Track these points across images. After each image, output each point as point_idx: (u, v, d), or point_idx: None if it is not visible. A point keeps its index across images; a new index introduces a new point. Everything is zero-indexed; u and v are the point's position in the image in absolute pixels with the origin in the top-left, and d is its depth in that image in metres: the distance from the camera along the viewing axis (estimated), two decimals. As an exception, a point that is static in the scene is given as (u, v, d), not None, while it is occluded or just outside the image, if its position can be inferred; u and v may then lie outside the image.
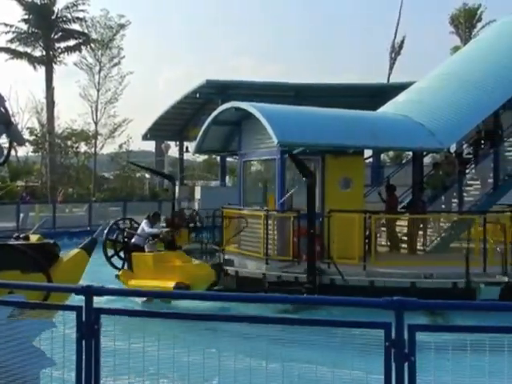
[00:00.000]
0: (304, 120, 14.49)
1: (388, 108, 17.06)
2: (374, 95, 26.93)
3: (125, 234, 14.08)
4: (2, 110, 7.12)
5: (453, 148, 18.07)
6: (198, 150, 17.77)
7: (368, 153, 19.00)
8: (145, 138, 36.01)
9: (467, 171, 16.96)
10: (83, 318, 3.94)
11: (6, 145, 7.49)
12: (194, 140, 21.94)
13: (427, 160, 20.85)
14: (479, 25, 42.97)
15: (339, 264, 12.84)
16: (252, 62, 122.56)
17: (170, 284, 11.95)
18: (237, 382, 4.07)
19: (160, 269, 12.63)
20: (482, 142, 17.13)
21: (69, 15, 38.25)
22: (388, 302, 3.57)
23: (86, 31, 38.11)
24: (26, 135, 36.70)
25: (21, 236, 8.62)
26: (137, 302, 10.52)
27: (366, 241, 13.55)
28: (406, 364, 3.47)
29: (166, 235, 13.48)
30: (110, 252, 14.14)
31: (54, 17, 37.98)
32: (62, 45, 38.54)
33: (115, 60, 37.56)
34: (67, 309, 4.24)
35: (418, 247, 15.23)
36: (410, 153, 18.86)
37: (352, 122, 14.88)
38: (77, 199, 31.00)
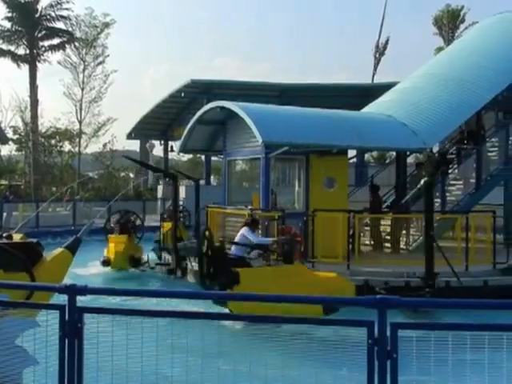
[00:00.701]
0: (288, 120, 14.56)
1: (372, 108, 17.18)
2: (358, 95, 27.08)
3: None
4: None
5: (436, 148, 18.25)
6: (183, 150, 17.77)
7: (352, 153, 19.14)
8: (129, 137, 35.89)
9: (450, 171, 17.15)
10: (66, 317, 3.96)
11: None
12: (178, 139, 21.91)
13: (410, 160, 21.04)
14: (462, 26, 43.43)
15: (323, 263, 12.93)
16: (238, 62, 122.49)
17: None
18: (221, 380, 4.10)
19: (285, 286, 9.73)
20: (465, 142, 17.31)
21: (53, 13, 38.02)
22: (370, 300, 3.64)
23: (70, 30, 37.93)
24: (10, 134, 36.49)
25: (4, 235, 8.57)
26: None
27: (350, 240, 13.65)
28: (389, 361, 3.54)
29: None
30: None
31: (37, 15, 37.71)
32: (46, 43, 38.31)
33: (100, 59, 37.48)
34: (50, 308, 4.24)
35: (401, 246, 15.36)
36: (394, 153, 19.00)
37: (336, 121, 14.97)
38: (60, 198, 30.78)
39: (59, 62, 37.44)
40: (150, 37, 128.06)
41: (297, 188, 15.02)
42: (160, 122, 34.43)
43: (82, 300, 4.08)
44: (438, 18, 44.43)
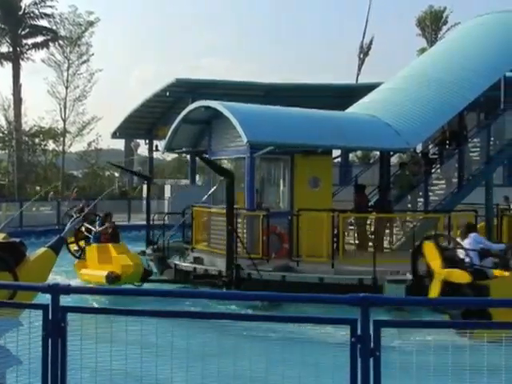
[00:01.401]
0: (273, 119, 14.61)
1: (356, 108, 17.27)
2: (343, 95, 27.21)
3: None
4: None
5: (419, 148, 18.42)
6: (168, 149, 17.75)
7: (336, 152, 19.26)
8: (114, 136, 35.74)
9: (433, 171, 17.29)
10: (50, 317, 3.95)
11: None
12: (163, 138, 21.89)
13: (394, 160, 21.20)
14: (445, 27, 43.75)
15: (308, 262, 13.02)
16: (225, 62, 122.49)
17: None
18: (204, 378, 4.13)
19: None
20: (447, 142, 17.47)
21: (36, 11, 37.81)
22: (354, 298, 3.67)
23: (54, 28, 37.69)
24: (-7, 132, 36.15)
25: (-14, 235, 8.53)
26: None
27: (335, 239, 13.74)
28: (372, 359, 3.57)
29: None
30: None
31: (21, 12, 37.45)
32: (30, 41, 38.07)
33: (84, 57, 37.24)
34: (34, 307, 4.24)
35: (385, 245, 15.47)
36: (378, 152, 19.13)
37: (321, 121, 15.05)
38: (44, 197, 30.61)
39: (43, 61, 37.20)
40: (137, 36, 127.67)
41: (281, 187, 15.08)
42: (145, 121, 34.34)
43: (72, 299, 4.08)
44: (421, 19, 44.71)
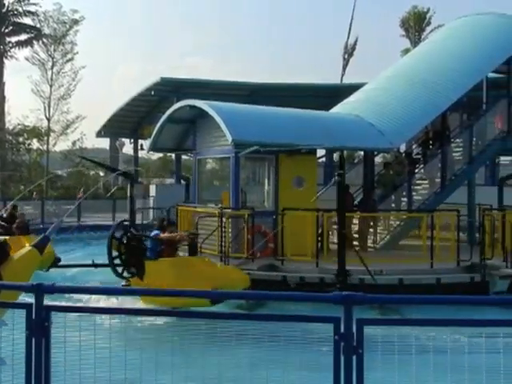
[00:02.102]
0: (258, 119, 14.66)
1: (340, 108, 17.38)
2: (327, 95, 27.31)
3: None
4: None
5: (402, 148, 18.57)
6: (153, 148, 17.73)
7: (321, 152, 19.36)
8: (99, 135, 35.57)
9: (416, 171, 17.46)
10: (33, 316, 3.94)
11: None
12: (148, 138, 21.86)
13: (378, 160, 21.32)
14: (428, 28, 44.03)
15: (292, 261, 13.09)
16: (210, 61, 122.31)
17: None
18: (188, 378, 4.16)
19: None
20: (431, 142, 17.64)
21: (20, 9, 37.53)
22: (337, 296, 3.71)
23: (38, 26, 37.42)
24: (-24, 131, 35.84)
25: (-30, 234, 8.51)
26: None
27: (319, 238, 13.81)
28: (355, 357, 3.60)
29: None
30: None
31: (4, 10, 37.15)
32: (13, 39, 37.78)
33: (68, 56, 37.06)
34: (17, 307, 4.22)
35: (369, 244, 15.59)
36: (362, 152, 19.26)
37: (305, 121, 15.12)
38: (29, 197, 30.41)
39: (27, 59, 36.95)
40: (121, 35, 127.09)
41: (266, 187, 15.13)
42: (130, 120, 34.20)
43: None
44: (404, 20, 44.92)
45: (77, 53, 37.29)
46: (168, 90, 28.66)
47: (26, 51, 37.38)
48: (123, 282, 11.30)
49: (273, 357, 4.12)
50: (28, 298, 4.25)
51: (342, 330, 3.62)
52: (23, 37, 37.59)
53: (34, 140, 37.45)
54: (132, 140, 35.73)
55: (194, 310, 4.34)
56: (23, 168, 37.52)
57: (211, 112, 14.11)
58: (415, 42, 41.07)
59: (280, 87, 29.75)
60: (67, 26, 36.82)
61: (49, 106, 36.47)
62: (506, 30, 17.48)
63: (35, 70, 36.79)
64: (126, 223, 12.17)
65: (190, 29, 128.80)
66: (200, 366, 4.23)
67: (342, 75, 46.41)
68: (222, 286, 10.19)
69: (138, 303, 8.60)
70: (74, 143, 38.45)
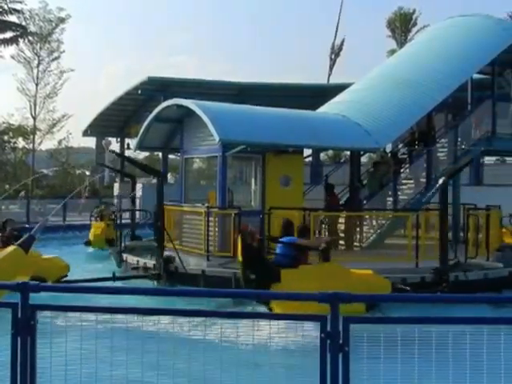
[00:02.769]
0: (245, 118, 14.70)
1: (327, 108, 17.46)
2: (314, 95, 27.44)
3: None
4: None
5: (389, 148, 18.71)
6: (140, 147, 17.69)
7: (307, 152, 19.45)
8: (85, 134, 35.46)
9: (402, 171, 17.60)
10: (19, 315, 3.94)
11: None
12: (135, 137, 21.80)
13: (364, 159, 21.46)
14: (414, 29, 44.29)
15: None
16: (197, 61, 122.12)
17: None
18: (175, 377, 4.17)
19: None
20: (416, 142, 17.78)
21: (5, 6, 37.15)
22: (323, 295, 3.76)
23: (23, 23, 37.16)
24: (-40, 129, 35.54)
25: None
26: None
27: (305, 237, 13.86)
28: (341, 355, 3.65)
29: None
30: None
31: (-11, 8, 36.84)
32: (-1, 37, 37.40)
33: (55, 54, 36.91)
34: (2, 306, 4.21)
35: (355, 243, 15.70)
36: (348, 152, 19.37)
37: (293, 121, 15.18)
38: (14, 196, 30.24)
39: (12, 57, 36.72)
40: (108, 34, 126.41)
41: (253, 186, 15.18)
42: (116, 119, 34.13)
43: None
44: (391, 21, 45.16)
45: (63, 51, 37.19)
46: (155, 89, 28.66)
47: (11, 49, 37.18)
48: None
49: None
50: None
51: (329, 328, 3.66)
52: (8, 34, 37.28)
53: (20, 138, 37.26)
54: (119, 139, 35.65)
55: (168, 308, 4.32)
56: (8, 167, 37.28)
57: (198, 111, 14.12)
58: (401, 43, 41.30)
59: (267, 87, 29.84)
60: (53, 25, 36.66)
61: (35, 105, 36.30)
62: (490, 32, 17.68)
63: (21, 68, 36.61)
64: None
65: (178, 28, 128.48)
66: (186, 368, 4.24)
67: (329, 75, 46.70)
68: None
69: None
70: (59, 142, 38.32)
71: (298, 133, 14.61)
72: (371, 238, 15.92)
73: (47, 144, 39.80)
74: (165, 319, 4.33)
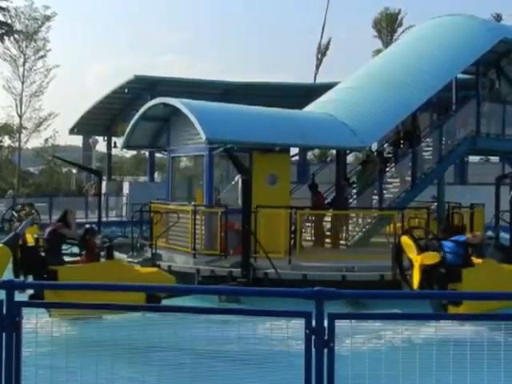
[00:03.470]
0: (232, 117, 14.75)
1: (314, 107, 17.53)
2: (301, 94, 27.56)
3: None
4: None
5: (374, 147, 18.84)
6: (126, 146, 17.67)
7: (294, 150, 19.54)
8: (72, 132, 35.27)
9: (387, 169, 17.74)
10: (4, 312, 3.95)
11: None
12: (122, 135, 21.77)
13: (350, 158, 21.59)
14: (400, 29, 44.50)
15: (265, 258, 13.21)
16: (184, 60, 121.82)
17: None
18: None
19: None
20: (401, 142, 17.92)
21: (-9, 4, 36.88)
22: (309, 292, 3.77)
23: (9, 21, 36.87)
24: None
25: None
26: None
27: (292, 235, 13.97)
28: (326, 350, 3.68)
29: None
30: None
31: (-26, 5, 36.52)
32: (-16, 34, 37.10)
33: (41, 52, 36.64)
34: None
35: (341, 242, 15.81)
36: (334, 151, 19.48)
37: (279, 120, 15.26)
38: (1, 194, 30.08)
39: (-3, 55, 36.39)
40: (95, 32, 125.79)
41: (240, 185, 15.23)
42: (103, 117, 34.00)
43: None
44: (377, 21, 45.34)
45: (49, 50, 36.95)
46: (142, 87, 28.63)
47: (-4, 47, 36.84)
48: None
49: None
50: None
51: (314, 324, 3.69)
52: (-7, 32, 37.02)
53: (6, 137, 37.02)
54: (105, 137, 35.52)
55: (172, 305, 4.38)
56: (-6, 165, 37.03)
57: (185, 110, 14.15)
58: (387, 43, 41.47)
59: (254, 86, 29.91)
60: (39, 23, 36.40)
61: (20, 103, 36.04)
62: (474, 32, 17.84)
63: (6, 66, 36.32)
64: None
65: (166, 26, 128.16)
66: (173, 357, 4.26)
67: (316, 74, 46.81)
68: None
69: None
70: (46, 140, 38.10)
71: (285, 132, 14.69)
72: (357, 236, 16.04)
73: (33, 142, 39.60)
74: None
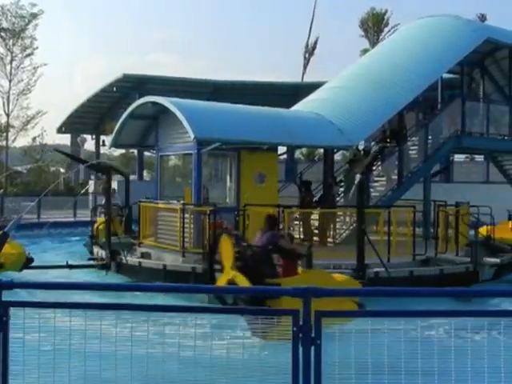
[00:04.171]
0: (220, 116, 14.82)
1: (301, 106, 17.65)
2: (289, 93, 27.70)
3: None
4: None
5: (361, 146, 19.00)
6: (115, 144, 17.70)
7: (282, 149, 19.65)
8: (60, 131, 35.20)
9: (374, 168, 17.91)
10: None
11: None
12: (110, 134, 21.79)
13: (338, 157, 21.74)
14: (386, 29, 44.76)
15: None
16: (174, 59, 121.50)
17: None
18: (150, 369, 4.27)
19: None
20: (388, 140, 18.10)
21: (-23, 2, 36.67)
22: (296, 290, 3.84)
23: (-5, 19, 36.67)
24: None
25: None
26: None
27: (280, 234, 14.06)
28: (313, 348, 3.72)
29: None
30: None
31: (-40, 3, 36.30)
32: (-31, 33, 36.87)
33: (28, 51, 36.47)
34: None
35: (329, 239, 15.95)
36: (322, 150, 19.62)
37: (267, 119, 15.35)
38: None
39: (-16, 53, 36.19)
40: (83, 31, 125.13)
41: (228, 183, 15.33)
42: (92, 116, 33.95)
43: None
44: (363, 21, 45.57)
45: (37, 48, 36.79)
46: (130, 86, 28.63)
47: (-17, 45, 36.62)
48: None
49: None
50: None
51: (301, 322, 3.74)
52: (-20, 30, 36.79)
53: (-7, 135, 36.80)
54: (94, 136, 35.46)
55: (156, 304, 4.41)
56: (-19, 164, 36.80)
57: (173, 109, 14.20)
58: (374, 43, 41.71)
59: (242, 85, 30.00)
60: (26, 20, 36.23)
61: (8, 101, 35.86)
62: (459, 32, 18.05)
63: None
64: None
65: (155, 25, 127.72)
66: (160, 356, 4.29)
67: (303, 74, 47.00)
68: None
69: None
70: (34, 139, 37.94)
71: (273, 131, 14.79)
72: (344, 233, 16.18)
73: (21, 141, 39.46)
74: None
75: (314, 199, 17.45)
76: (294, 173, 23.40)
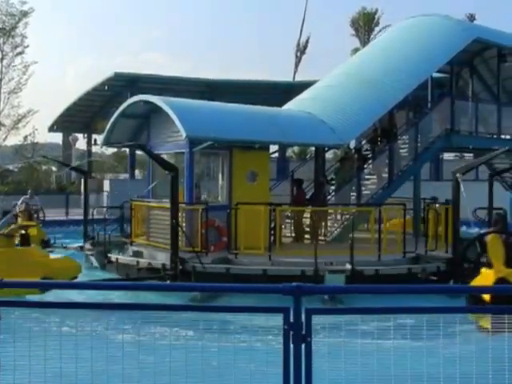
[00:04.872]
0: (212, 115, 14.87)
1: (293, 105, 17.73)
2: (280, 92, 27.78)
3: None
4: None
5: (353, 144, 19.13)
6: (106, 143, 17.70)
7: (274, 148, 19.73)
8: (51, 129, 35.10)
9: (365, 166, 18.03)
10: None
11: None
12: (102, 132, 21.79)
13: (329, 155, 21.84)
14: (377, 29, 44.97)
15: (245, 255, 13.40)
16: (164, 57, 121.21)
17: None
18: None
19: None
20: (379, 139, 18.23)
21: (-34, 0, 36.51)
22: (287, 287, 3.84)
23: (-15, 18, 36.53)
24: None
25: None
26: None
27: (272, 232, 14.17)
28: (303, 345, 3.74)
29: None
30: None
31: (-50, 2, 36.12)
32: (-40, 31, 36.70)
33: (18, 49, 36.37)
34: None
35: (320, 238, 16.04)
36: (313, 148, 19.72)
37: (259, 117, 15.43)
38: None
39: (-26, 51, 36.05)
40: (74, 29, 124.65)
41: (220, 182, 15.40)
42: (83, 114, 33.88)
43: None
44: (354, 20, 45.75)
45: (27, 46, 36.69)
46: (122, 84, 28.60)
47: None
48: None
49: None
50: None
51: (292, 319, 3.76)
52: (-30, 29, 36.63)
53: (-16, 135, 36.66)
54: (85, 135, 35.39)
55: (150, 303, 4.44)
56: (-28, 162, 36.67)
57: (165, 107, 14.23)
58: (365, 42, 41.88)
59: (233, 84, 30.06)
60: (16, 19, 36.10)
61: (-2, 100, 35.79)
62: (450, 32, 18.19)
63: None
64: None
65: (147, 24, 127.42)
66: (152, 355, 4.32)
67: (295, 72, 47.10)
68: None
69: None
70: (25, 138, 37.84)
71: (264, 129, 14.87)
72: (335, 231, 16.29)
73: (12, 140, 39.33)
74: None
75: (306, 197, 17.55)
76: (286, 171, 23.50)
